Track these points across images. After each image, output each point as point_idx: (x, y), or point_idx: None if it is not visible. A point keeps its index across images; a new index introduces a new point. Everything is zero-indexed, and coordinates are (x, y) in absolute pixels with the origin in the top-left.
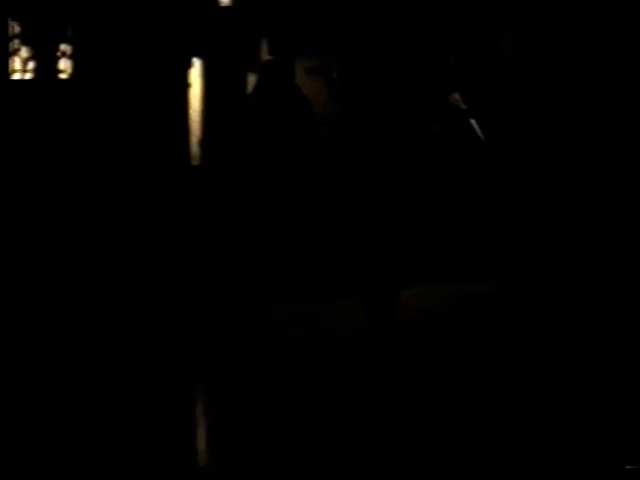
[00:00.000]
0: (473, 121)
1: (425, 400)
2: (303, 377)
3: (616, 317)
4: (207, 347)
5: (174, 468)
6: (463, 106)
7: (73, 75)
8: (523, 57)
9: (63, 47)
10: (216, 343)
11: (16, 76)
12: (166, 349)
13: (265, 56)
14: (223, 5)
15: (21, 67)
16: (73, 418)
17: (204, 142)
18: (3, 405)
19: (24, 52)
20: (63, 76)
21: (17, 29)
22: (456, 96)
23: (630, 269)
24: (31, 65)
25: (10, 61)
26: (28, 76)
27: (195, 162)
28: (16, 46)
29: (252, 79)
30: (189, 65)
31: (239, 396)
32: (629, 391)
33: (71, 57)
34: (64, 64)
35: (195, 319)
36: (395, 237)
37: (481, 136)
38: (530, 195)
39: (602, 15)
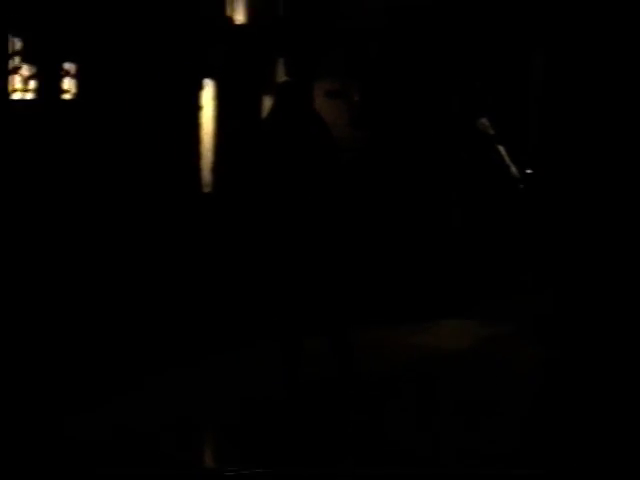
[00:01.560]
0: (502, 148)
1: None
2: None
3: None
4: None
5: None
6: (491, 132)
7: (78, 95)
8: (556, 80)
9: (67, 65)
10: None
11: (16, 96)
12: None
13: (282, 77)
14: (237, 23)
15: (22, 86)
16: (80, 455)
17: (216, 168)
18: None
19: (25, 70)
20: (67, 96)
21: (18, 45)
22: (484, 121)
23: None
24: (32, 84)
25: (10, 79)
26: (29, 96)
27: (207, 189)
28: (17, 64)
29: (268, 102)
30: (200, 86)
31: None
32: None
33: (75, 76)
34: (68, 83)
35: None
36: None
37: (510, 164)
38: (561, 223)
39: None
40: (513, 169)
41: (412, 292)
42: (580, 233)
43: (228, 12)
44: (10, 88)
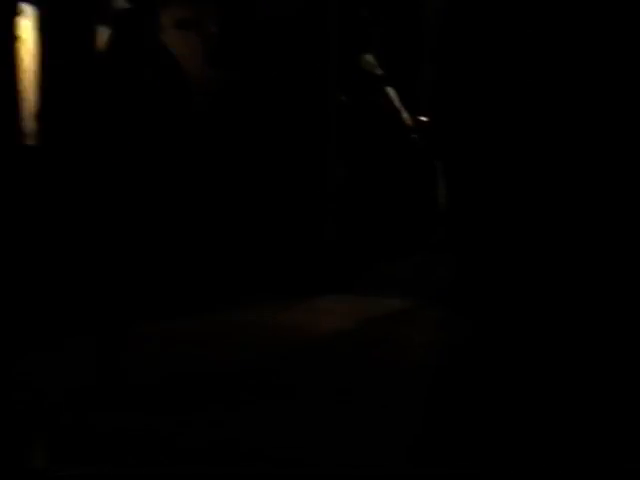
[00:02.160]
0: (391, 90)
1: None
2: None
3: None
4: None
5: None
6: (378, 71)
7: None
8: (457, 7)
9: None
10: None
11: None
12: None
13: (121, 3)
14: None
15: None
16: None
17: (41, 115)
18: None
19: None
20: None
21: None
22: (369, 58)
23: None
24: None
25: None
26: None
27: (29, 141)
28: None
29: (104, 34)
30: (16, 12)
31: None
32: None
33: None
34: None
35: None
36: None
37: (400, 109)
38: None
39: None
40: (405, 115)
41: (282, 264)
42: (483, 190)
43: None
44: None
